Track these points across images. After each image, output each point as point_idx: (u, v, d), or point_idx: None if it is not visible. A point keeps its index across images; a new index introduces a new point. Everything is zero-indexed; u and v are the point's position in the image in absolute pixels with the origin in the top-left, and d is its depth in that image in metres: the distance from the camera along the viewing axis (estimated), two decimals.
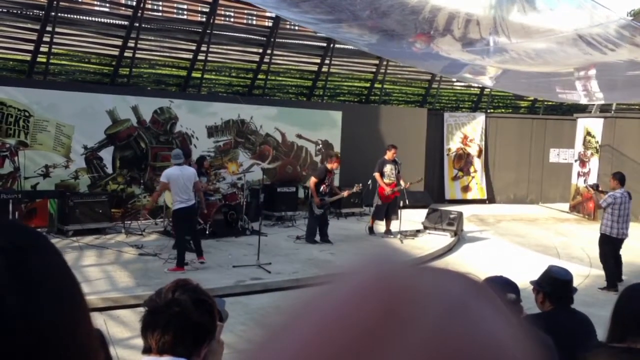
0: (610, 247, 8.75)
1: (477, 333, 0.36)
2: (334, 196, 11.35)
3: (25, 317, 0.53)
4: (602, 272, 8.98)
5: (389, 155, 11.81)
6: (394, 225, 11.79)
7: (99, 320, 6.58)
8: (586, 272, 9.64)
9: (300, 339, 0.37)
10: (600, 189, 9.65)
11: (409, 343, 0.34)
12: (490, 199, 18.11)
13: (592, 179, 14.74)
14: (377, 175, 11.79)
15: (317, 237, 10.96)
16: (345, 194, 11.64)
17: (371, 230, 11.95)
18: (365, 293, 0.37)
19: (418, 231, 12.20)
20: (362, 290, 0.38)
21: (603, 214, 8.94)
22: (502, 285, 2.92)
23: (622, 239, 8.74)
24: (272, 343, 0.38)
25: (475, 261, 10.42)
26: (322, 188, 10.89)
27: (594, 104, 16.06)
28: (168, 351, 1.88)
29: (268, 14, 14.03)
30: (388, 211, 11.80)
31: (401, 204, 11.63)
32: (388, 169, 11.77)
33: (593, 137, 15.95)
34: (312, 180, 10.99)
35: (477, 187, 18.07)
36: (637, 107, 17.36)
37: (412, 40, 8.79)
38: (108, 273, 8.38)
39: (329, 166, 11.08)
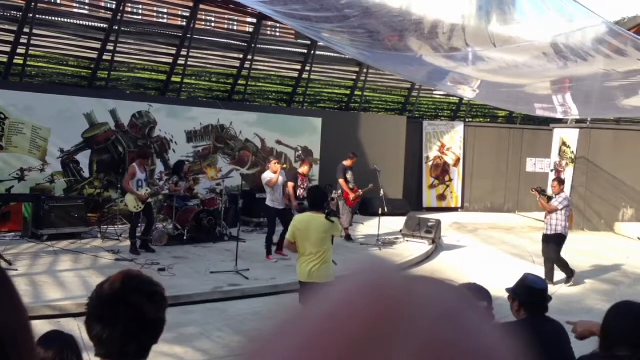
0: (562, 245, 9.64)
1: (471, 339, 0.37)
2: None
3: None
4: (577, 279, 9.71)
5: (348, 162, 11.98)
6: (368, 230, 11.87)
7: (73, 325, 6.48)
8: (561, 280, 9.75)
9: (295, 347, 0.37)
10: (544, 192, 10.74)
11: (406, 351, 0.35)
12: (465, 208, 18.24)
13: (567, 189, 14.90)
14: (342, 181, 11.89)
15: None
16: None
17: (349, 237, 11.95)
18: (361, 301, 0.38)
19: (396, 239, 12.26)
20: (356, 298, 0.38)
21: (554, 215, 9.57)
22: (475, 293, 2.95)
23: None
24: (262, 352, 0.38)
25: (453, 268, 10.48)
26: (299, 192, 10.96)
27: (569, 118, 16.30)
28: (118, 352, 1.64)
29: (249, 20, 14.02)
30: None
31: (380, 211, 11.69)
32: (350, 175, 11.94)
33: (568, 147, 16.19)
34: (290, 184, 10.68)
35: (452, 195, 18.21)
36: (611, 119, 17.65)
37: (395, 41, 8.79)
38: (84, 278, 8.26)
39: (299, 170, 11.16)
